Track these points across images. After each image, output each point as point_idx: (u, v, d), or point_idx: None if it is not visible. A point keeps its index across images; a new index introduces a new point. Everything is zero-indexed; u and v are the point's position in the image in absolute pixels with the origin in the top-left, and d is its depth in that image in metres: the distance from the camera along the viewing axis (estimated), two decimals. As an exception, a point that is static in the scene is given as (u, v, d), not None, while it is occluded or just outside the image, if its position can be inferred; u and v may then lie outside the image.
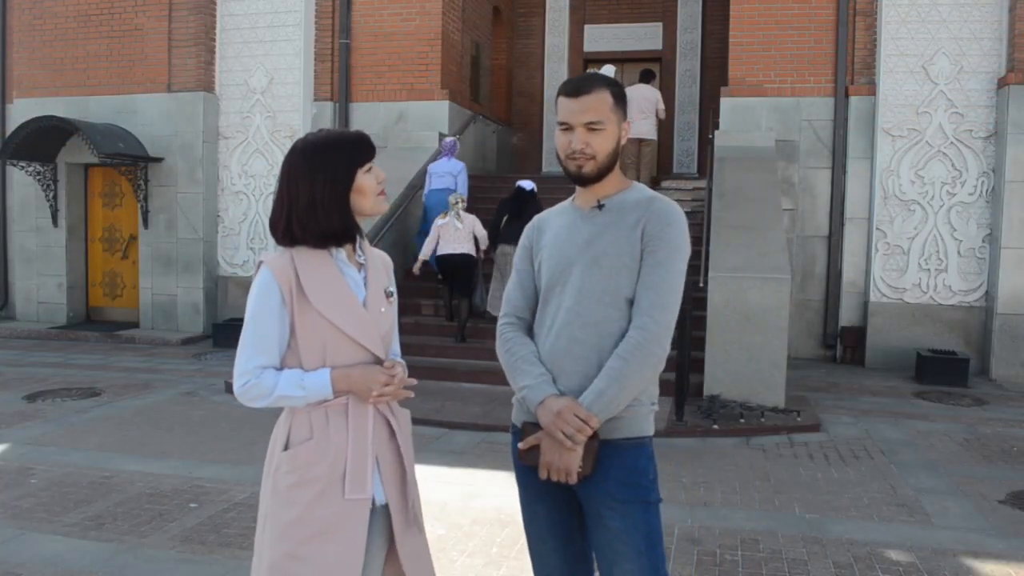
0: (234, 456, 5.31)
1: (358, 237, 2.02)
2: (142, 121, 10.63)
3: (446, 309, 8.41)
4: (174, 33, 10.57)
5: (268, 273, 1.89)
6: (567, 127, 2.00)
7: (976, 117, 8.62)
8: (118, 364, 8.67)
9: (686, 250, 1.98)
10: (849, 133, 9.08)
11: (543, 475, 1.93)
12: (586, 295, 1.96)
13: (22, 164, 10.60)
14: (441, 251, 7.94)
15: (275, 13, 10.55)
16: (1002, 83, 8.41)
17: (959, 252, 8.69)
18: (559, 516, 2.03)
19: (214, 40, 10.71)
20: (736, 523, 4.23)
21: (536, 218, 2.20)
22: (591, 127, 1.97)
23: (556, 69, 14.24)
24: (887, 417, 6.60)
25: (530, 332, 2.09)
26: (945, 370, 8.00)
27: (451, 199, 8.07)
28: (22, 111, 10.90)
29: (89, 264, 11.45)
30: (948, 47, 8.68)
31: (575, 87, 2.00)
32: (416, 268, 8.29)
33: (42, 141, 10.35)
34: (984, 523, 4.30)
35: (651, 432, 2.01)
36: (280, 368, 1.91)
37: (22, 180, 11.15)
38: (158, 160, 10.54)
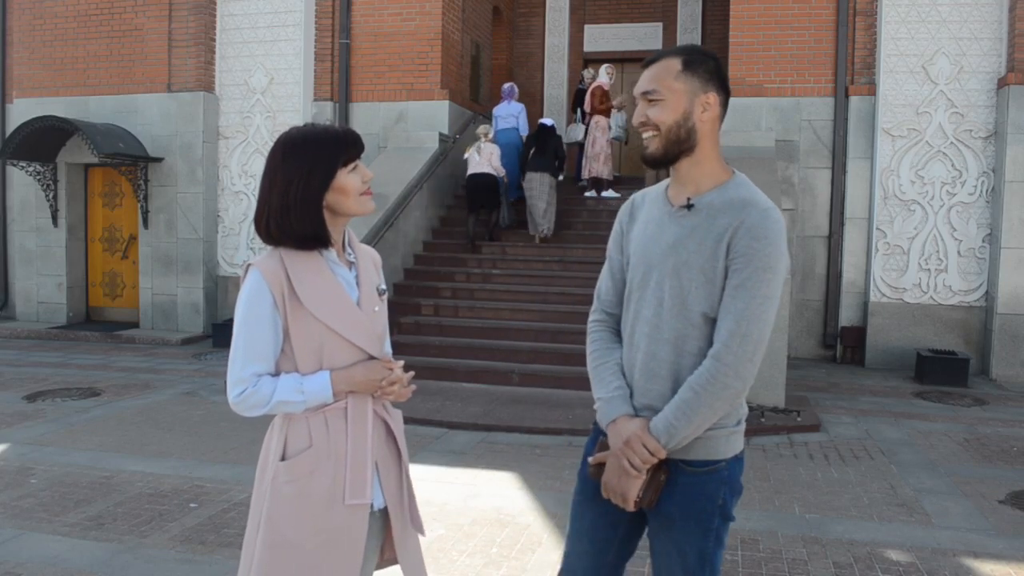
0: (234, 456, 5.31)
1: (346, 234, 1.97)
2: (142, 121, 10.64)
3: (466, 228, 9.59)
4: (174, 33, 10.58)
5: (258, 276, 1.83)
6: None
7: (976, 117, 8.63)
8: (118, 364, 8.67)
9: (778, 269, 1.76)
10: (849, 133, 9.08)
11: (604, 494, 1.87)
12: (665, 308, 1.83)
13: (22, 164, 10.60)
14: (468, 173, 9.43)
15: (275, 13, 10.55)
16: (1002, 83, 8.41)
17: (959, 252, 8.69)
18: (602, 524, 1.97)
19: (214, 40, 10.71)
20: (736, 523, 4.19)
21: (631, 200, 2.04)
22: (647, 97, 1.83)
23: (556, 69, 14.24)
24: (887, 417, 6.60)
25: (619, 326, 1.99)
26: (945, 370, 8.00)
27: (479, 131, 9.62)
28: (22, 111, 10.91)
29: (89, 264, 11.45)
30: (948, 47, 8.68)
31: (649, 58, 1.88)
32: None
33: (42, 141, 10.35)
34: (984, 523, 4.30)
35: (731, 454, 1.86)
36: (275, 374, 1.85)
37: (22, 180, 11.16)
38: (158, 160, 10.54)
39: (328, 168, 1.84)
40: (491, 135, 9.62)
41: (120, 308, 11.35)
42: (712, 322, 1.80)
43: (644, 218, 1.95)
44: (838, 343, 9.13)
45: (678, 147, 1.83)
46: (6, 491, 4.57)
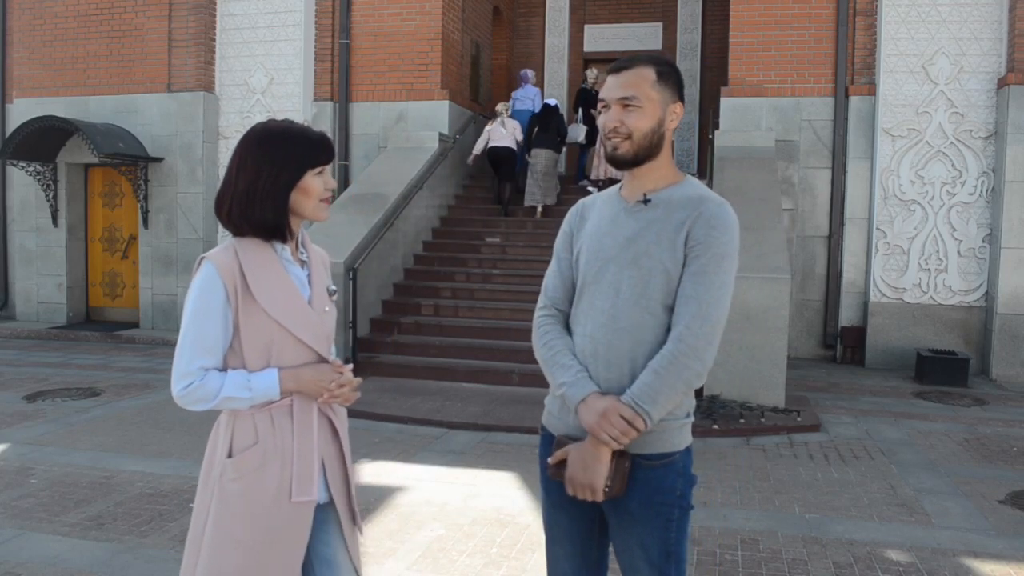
0: (234, 456, 5.30)
1: (300, 234, 1.98)
2: (142, 121, 10.64)
3: (494, 192, 10.59)
4: (174, 33, 10.58)
5: (212, 269, 1.83)
6: (606, 106, 1.92)
7: (976, 117, 8.63)
8: (118, 364, 8.67)
9: (734, 258, 1.86)
10: (849, 133, 9.08)
11: (569, 491, 1.86)
12: (623, 298, 1.86)
13: (22, 164, 10.60)
14: (491, 146, 10.21)
15: (275, 13, 10.55)
16: (1002, 83, 8.41)
17: (959, 252, 8.69)
18: (579, 525, 1.99)
19: (214, 40, 10.71)
20: (736, 523, 4.22)
21: (580, 203, 2.09)
22: (625, 103, 1.88)
23: (556, 69, 14.24)
24: (887, 417, 6.60)
25: (568, 323, 2.01)
26: (945, 370, 8.00)
27: (499, 108, 10.51)
28: (22, 111, 10.91)
29: (89, 264, 11.46)
30: (948, 47, 8.68)
31: (618, 64, 1.92)
32: (469, 160, 10.67)
33: (42, 141, 10.36)
34: (984, 523, 4.30)
35: (683, 446, 1.91)
36: (222, 369, 1.85)
37: (22, 180, 11.16)
38: (158, 160, 10.54)
39: (299, 166, 1.86)
40: (510, 111, 10.56)
41: (120, 308, 11.35)
42: (669, 311, 1.84)
43: (596, 217, 2.00)
44: (838, 343, 9.13)
45: (647, 152, 1.90)
46: (6, 491, 4.57)
